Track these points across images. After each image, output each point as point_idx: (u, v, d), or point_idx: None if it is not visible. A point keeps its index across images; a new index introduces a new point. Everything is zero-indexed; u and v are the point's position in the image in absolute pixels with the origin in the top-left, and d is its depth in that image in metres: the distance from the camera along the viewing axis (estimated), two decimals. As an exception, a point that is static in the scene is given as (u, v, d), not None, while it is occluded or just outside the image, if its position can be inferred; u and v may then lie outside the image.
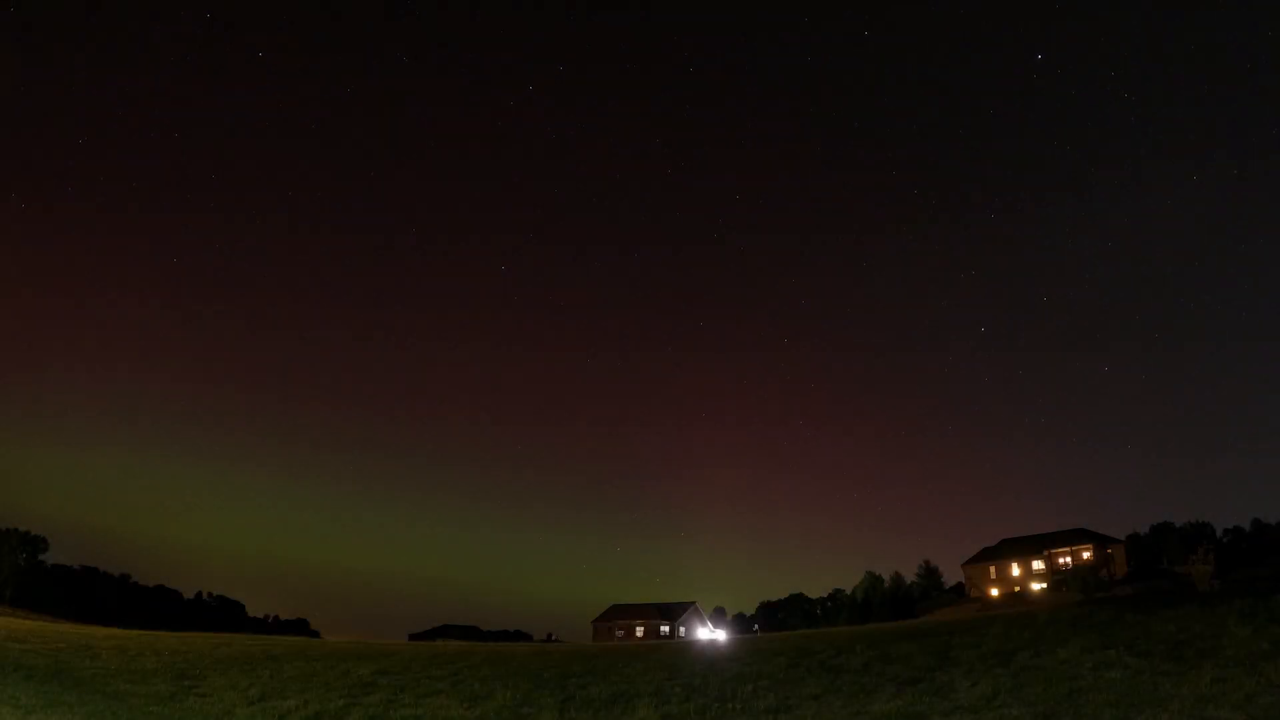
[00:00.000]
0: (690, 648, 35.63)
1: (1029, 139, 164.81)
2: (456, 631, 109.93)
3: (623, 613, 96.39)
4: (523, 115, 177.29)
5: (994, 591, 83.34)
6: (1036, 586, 79.63)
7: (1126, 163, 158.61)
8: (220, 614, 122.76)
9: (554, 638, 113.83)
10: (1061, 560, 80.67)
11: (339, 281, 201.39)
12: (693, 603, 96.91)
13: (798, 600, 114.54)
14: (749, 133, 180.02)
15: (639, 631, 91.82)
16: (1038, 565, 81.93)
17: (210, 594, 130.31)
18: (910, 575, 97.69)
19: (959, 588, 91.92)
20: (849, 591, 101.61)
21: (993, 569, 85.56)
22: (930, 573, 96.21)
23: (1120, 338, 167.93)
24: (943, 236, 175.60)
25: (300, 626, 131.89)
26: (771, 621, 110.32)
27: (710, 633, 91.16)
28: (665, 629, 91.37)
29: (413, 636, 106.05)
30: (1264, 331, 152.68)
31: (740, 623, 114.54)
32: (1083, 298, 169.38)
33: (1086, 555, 78.90)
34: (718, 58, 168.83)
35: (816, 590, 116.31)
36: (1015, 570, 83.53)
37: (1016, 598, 78.72)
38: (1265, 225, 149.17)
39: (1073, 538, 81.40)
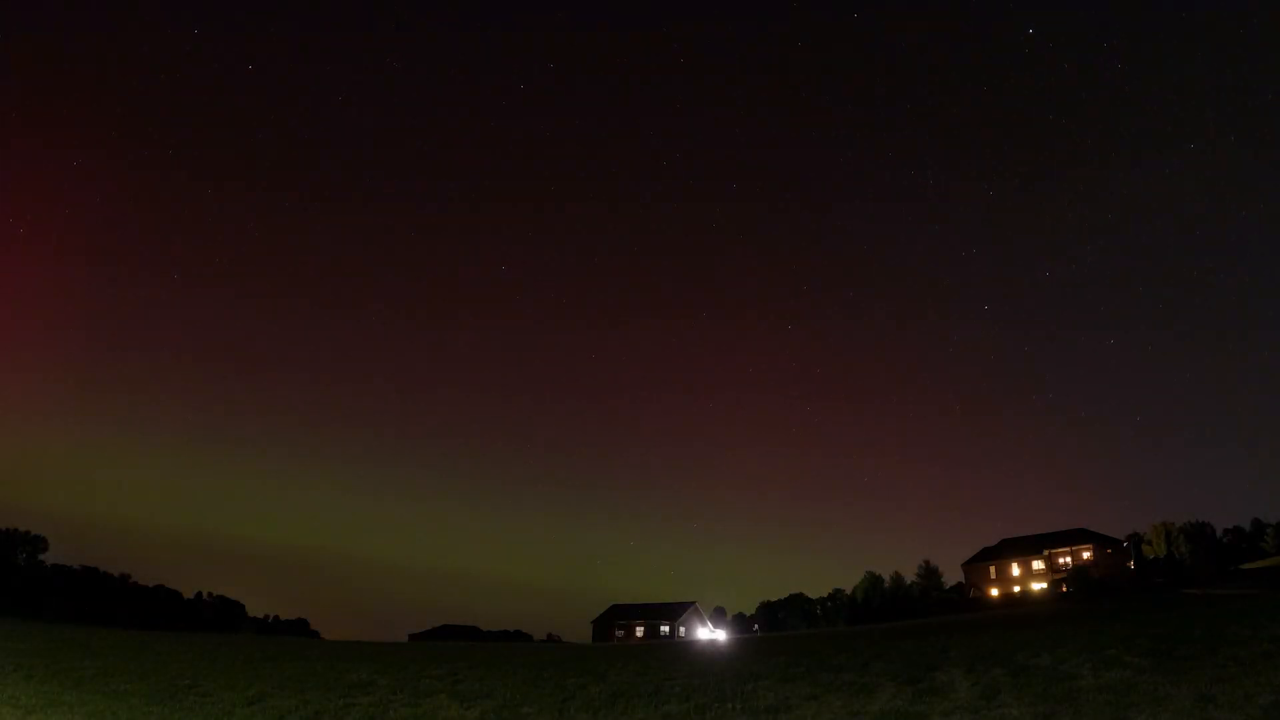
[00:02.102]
0: (690, 648, 35.62)
1: (1024, 114, 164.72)
2: (456, 631, 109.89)
3: (623, 613, 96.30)
4: (522, 106, 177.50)
5: (994, 591, 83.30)
6: (1036, 586, 79.59)
7: (1123, 134, 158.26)
8: (220, 614, 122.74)
9: (554, 638, 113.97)
10: (1061, 560, 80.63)
11: (336, 284, 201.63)
12: (693, 603, 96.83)
13: (798, 600, 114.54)
14: (744, 119, 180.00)
15: (639, 631, 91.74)
16: (1038, 565, 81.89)
17: (210, 594, 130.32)
18: (910, 575, 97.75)
19: (959, 588, 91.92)
20: (849, 591, 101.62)
21: (993, 569, 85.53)
22: (930, 573, 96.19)
23: (1124, 311, 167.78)
24: (941, 215, 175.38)
25: (300, 626, 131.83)
26: (771, 621, 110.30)
27: (710, 633, 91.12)
28: (665, 629, 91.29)
29: (413, 636, 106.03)
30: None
31: (740, 623, 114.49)
32: (1085, 271, 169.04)
33: (1086, 555, 78.86)
34: (709, 41, 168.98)
35: (816, 590, 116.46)
36: (1015, 570, 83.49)
37: (1016, 598, 78.72)
38: (1264, 191, 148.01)
39: (1073, 538, 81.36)
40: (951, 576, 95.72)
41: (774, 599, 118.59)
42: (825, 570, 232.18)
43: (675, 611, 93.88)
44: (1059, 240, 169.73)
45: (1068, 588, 72.63)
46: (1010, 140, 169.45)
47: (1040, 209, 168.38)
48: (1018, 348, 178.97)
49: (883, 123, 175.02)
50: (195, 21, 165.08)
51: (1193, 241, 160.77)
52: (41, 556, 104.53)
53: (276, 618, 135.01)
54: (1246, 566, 77.67)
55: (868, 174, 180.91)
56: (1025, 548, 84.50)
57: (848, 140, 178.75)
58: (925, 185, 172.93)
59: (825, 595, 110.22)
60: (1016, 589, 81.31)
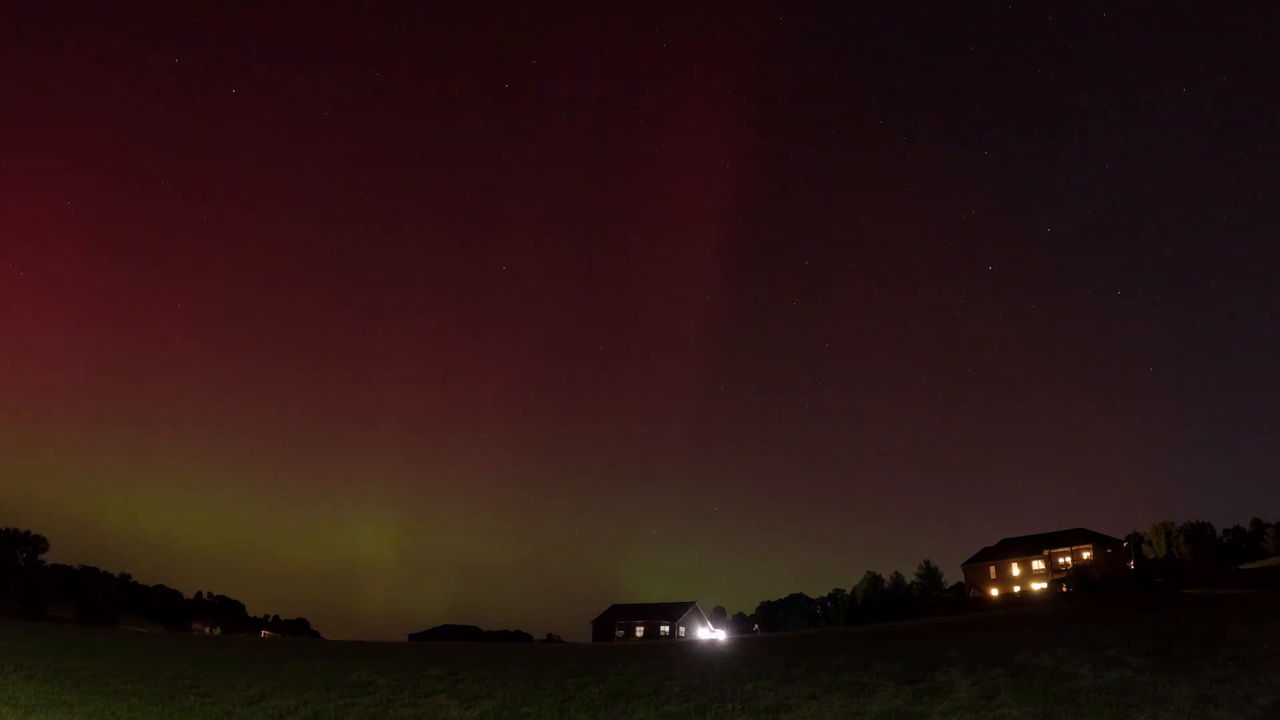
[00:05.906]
0: (690, 648, 35.59)
1: (1012, 71, 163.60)
2: (456, 631, 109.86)
3: (623, 613, 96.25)
4: (514, 104, 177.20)
5: (994, 591, 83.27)
6: (1036, 586, 79.54)
7: (1113, 83, 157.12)
8: (220, 614, 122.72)
9: (554, 638, 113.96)
10: (1061, 560, 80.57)
11: (337, 286, 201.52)
12: (693, 603, 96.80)
13: (798, 600, 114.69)
14: (733, 99, 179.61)
15: (639, 631, 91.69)
16: (1038, 565, 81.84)
17: (210, 594, 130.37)
18: (910, 575, 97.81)
19: (959, 588, 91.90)
20: (849, 591, 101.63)
21: (993, 569, 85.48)
22: (930, 573, 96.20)
23: (1125, 264, 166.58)
24: (938, 178, 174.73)
25: (300, 626, 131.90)
26: (771, 621, 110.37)
27: (710, 633, 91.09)
28: (665, 629, 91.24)
29: (413, 636, 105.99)
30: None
31: (740, 623, 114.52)
32: (1086, 225, 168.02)
33: (1086, 555, 78.81)
34: (696, 20, 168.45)
35: (816, 590, 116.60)
36: (1015, 570, 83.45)
37: (1016, 598, 78.68)
38: (1261, 130, 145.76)
39: (1073, 538, 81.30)
40: (951, 576, 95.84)
41: (774, 599, 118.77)
42: (825, 570, 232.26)
43: (675, 611, 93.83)
44: (1058, 195, 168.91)
45: (1068, 588, 72.57)
46: (999, 97, 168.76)
47: (1036, 164, 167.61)
48: (1021, 323, 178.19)
49: (868, 93, 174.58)
50: (176, 51, 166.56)
51: (1192, 187, 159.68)
52: (41, 556, 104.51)
53: (276, 618, 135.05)
54: (1246, 566, 77.56)
55: (859, 144, 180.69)
56: (1025, 548, 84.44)
57: (834, 121, 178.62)
58: (918, 152, 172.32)
59: (825, 595, 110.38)
60: (1016, 589, 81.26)
